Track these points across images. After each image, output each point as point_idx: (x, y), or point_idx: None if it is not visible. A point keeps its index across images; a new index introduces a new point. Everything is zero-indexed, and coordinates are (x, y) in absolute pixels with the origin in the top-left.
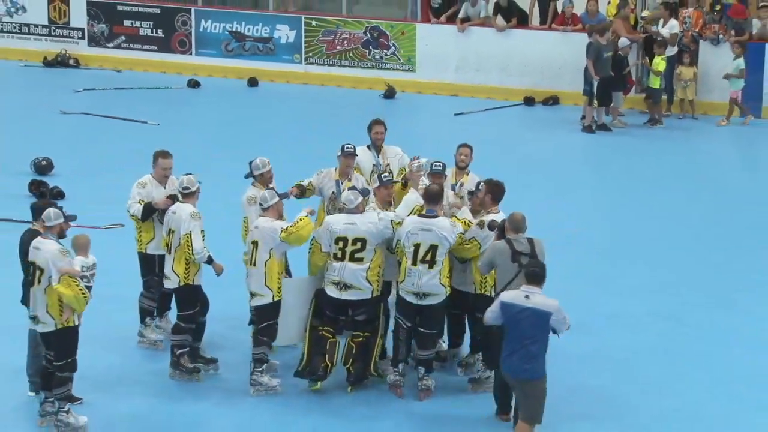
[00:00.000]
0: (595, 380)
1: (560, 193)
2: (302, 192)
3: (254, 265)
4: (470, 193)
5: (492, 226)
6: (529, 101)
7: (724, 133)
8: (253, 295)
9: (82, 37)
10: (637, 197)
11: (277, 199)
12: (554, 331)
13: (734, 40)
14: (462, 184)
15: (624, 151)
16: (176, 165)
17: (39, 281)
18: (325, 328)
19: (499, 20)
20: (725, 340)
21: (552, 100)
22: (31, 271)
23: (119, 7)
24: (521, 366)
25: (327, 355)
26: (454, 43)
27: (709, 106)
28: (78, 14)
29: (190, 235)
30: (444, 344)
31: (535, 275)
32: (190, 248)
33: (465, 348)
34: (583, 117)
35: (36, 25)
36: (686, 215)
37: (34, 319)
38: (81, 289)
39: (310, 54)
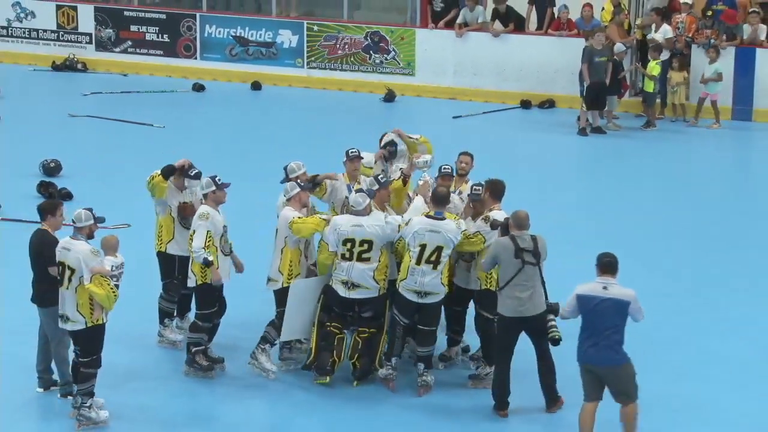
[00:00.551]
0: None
1: (553, 194)
2: (313, 184)
3: (274, 251)
4: (470, 196)
5: (494, 224)
6: (525, 105)
7: (716, 137)
8: (269, 279)
9: (90, 42)
10: (627, 199)
11: (297, 189)
12: (633, 319)
13: (710, 47)
14: (461, 192)
15: (617, 153)
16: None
17: (69, 281)
18: (333, 324)
19: (497, 25)
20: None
21: (548, 104)
22: (60, 271)
23: (126, 13)
24: (607, 355)
25: (335, 351)
26: (453, 48)
27: (708, 111)
28: (86, 20)
29: (192, 234)
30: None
31: (610, 265)
32: (190, 246)
33: (466, 344)
34: (579, 119)
35: (45, 30)
36: (674, 216)
37: (63, 317)
38: (112, 288)
39: (312, 58)
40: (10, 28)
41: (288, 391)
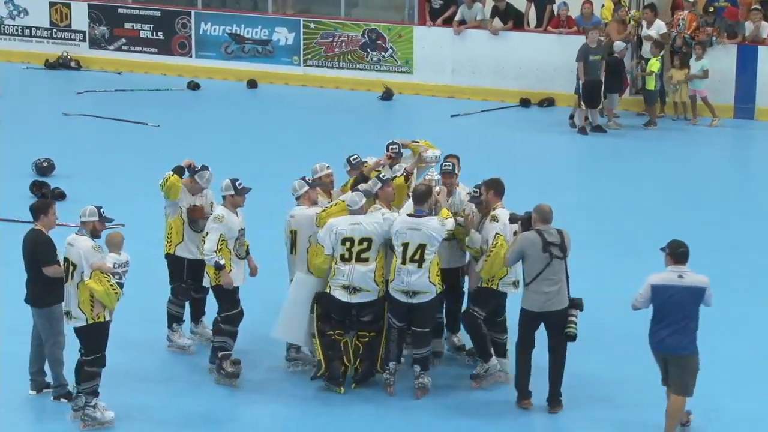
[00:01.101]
0: (586, 366)
1: (553, 193)
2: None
3: (296, 253)
4: (471, 200)
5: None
6: (524, 103)
7: (717, 135)
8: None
9: (84, 40)
10: (627, 198)
11: (306, 187)
12: (705, 305)
13: (696, 43)
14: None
15: (617, 152)
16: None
17: (72, 277)
18: (336, 331)
19: (496, 23)
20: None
21: (547, 102)
22: (65, 267)
23: (120, 10)
24: (682, 343)
25: (344, 357)
26: (451, 46)
27: (704, 108)
28: (79, 17)
29: (206, 236)
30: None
31: (684, 255)
32: (201, 248)
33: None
34: (571, 117)
35: (38, 28)
36: (674, 216)
37: (67, 314)
38: (112, 285)
39: (309, 56)
40: (2, 26)
41: (293, 392)
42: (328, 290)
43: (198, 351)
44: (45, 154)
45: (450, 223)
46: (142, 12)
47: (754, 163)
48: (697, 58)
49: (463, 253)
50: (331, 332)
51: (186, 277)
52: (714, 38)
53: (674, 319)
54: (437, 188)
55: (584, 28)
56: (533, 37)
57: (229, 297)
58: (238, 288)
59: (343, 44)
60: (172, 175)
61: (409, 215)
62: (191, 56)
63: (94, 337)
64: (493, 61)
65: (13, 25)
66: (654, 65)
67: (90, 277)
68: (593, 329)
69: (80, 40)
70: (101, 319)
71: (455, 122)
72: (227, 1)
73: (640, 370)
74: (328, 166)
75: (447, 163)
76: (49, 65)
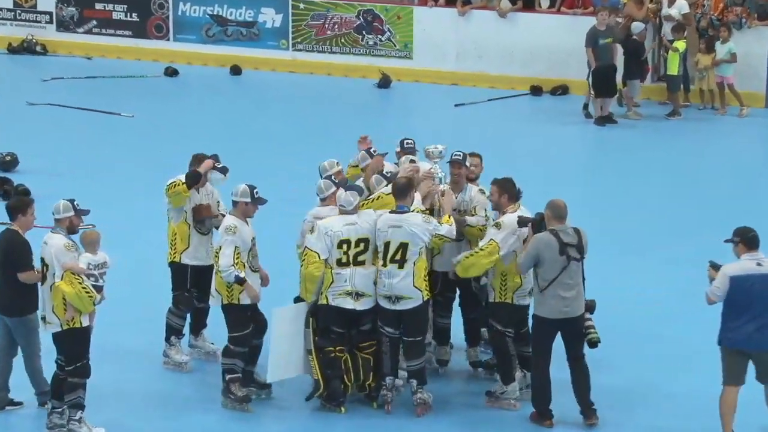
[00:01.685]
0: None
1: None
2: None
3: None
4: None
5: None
6: (535, 91)
7: (746, 127)
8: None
9: (50, 22)
10: (645, 196)
11: (334, 188)
12: None
13: (721, 24)
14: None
15: (636, 145)
16: (154, 160)
17: (46, 278)
18: (337, 348)
19: (504, 3)
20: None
21: (560, 90)
22: (42, 268)
23: None
24: None
25: (345, 376)
26: (455, 28)
27: (732, 97)
28: None
29: (219, 250)
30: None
31: (757, 239)
32: (216, 264)
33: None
34: (585, 107)
35: (0, 9)
36: (698, 214)
37: (43, 319)
38: (84, 288)
39: (298, 40)
40: None
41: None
42: (324, 302)
43: (196, 367)
44: (7, 147)
45: (444, 229)
46: None
47: None
48: (723, 41)
49: None
50: (331, 349)
51: (189, 286)
52: (743, 19)
53: (758, 312)
54: (441, 187)
55: (600, 8)
56: (545, 18)
57: (240, 317)
58: (249, 306)
59: (336, 26)
60: (181, 184)
61: (391, 212)
62: (168, 39)
63: (71, 344)
64: (501, 45)
65: None
66: (679, 44)
67: (62, 278)
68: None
69: (46, 22)
70: (77, 325)
71: (459, 112)
72: None
73: (647, 370)
74: (337, 163)
75: (458, 153)
76: (13, 50)
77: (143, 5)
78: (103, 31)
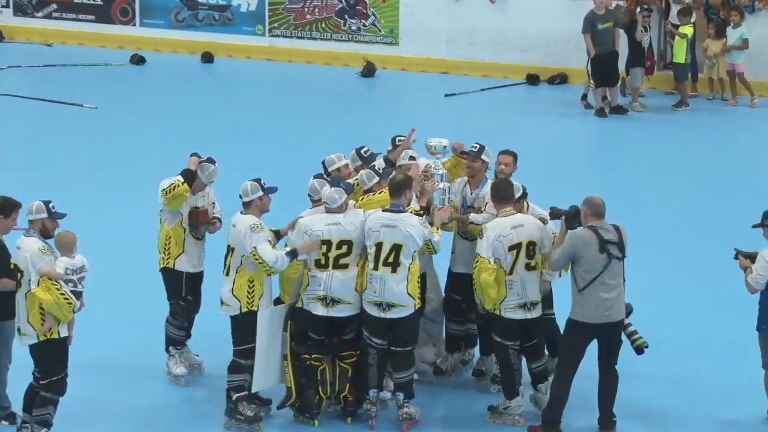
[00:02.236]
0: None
1: (564, 187)
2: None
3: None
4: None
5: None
6: (532, 80)
7: (759, 118)
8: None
9: (7, 6)
10: (652, 193)
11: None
12: None
13: (733, 7)
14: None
15: (641, 138)
16: (119, 156)
17: (20, 285)
18: (313, 355)
19: None
20: None
21: (559, 79)
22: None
23: None
24: None
25: (320, 387)
26: (445, 13)
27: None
28: None
29: (256, 251)
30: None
31: None
32: (264, 264)
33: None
34: (584, 97)
35: None
36: (708, 213)
37: (18, 330)
38: (63, 294)
39: (275, 25)
40: None
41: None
42: (300, 305)
43: (189, 381)
44: None
45: (435, 238)
46: None
47: None
48: (735, 25)
49: None
50: (307, 356)
51: (185, 294)
52: (756, 2)
53: None
54: (441, 185)
55: None
56: (542, 1)
57: (250, 327)
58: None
59: (316, 10)
60: (182, 184)
61: (385, 210)
62: (135, 25)
63: (48, 356)
64: (494, 31)
65: None
66: (686, 29)
67: (38, 285)
68: None
69: (2, 6)
70: (54, 335)
71: (450, 103)
72: None
73: (658, 370)
74: (344, 156)
75: (474, 145)
76: None
77: None
78: (64, 15)
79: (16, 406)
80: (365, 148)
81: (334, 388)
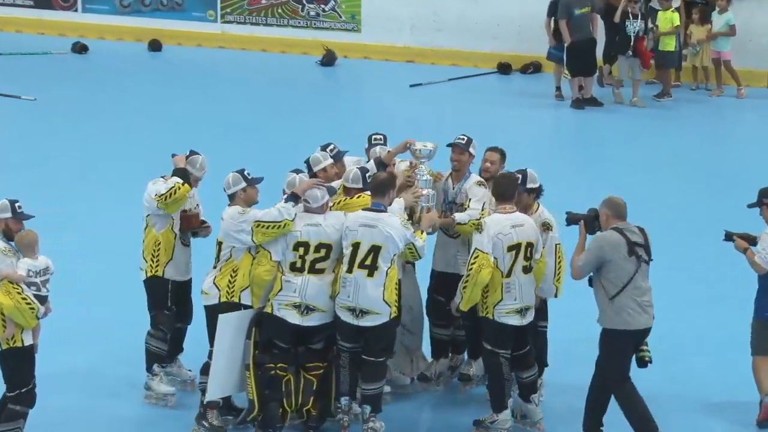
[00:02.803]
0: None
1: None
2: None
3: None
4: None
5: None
6: (503, 69)
7: (746, 110)
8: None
9: None
10: (632, 189)
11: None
12: None
13: None
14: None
15: (619, 130)
16: (56, 152)
17: None
18: (278, 365)
19: None
20: None
21: (532, 68)
22: None
23: None
24: None
25: (285, 400)
26: None
27: (728, 75)
28: None
29: (258, 220)
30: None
31: None
32: (272, 224)
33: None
34: (559, 88)
35: None
36: (693, 210)
37: None
38: (25, 298)
39: (228, 10)
40: None
41: None
42: (269, 310)
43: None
44: None
45: (419, 243)
46: None
47: None
48: (721, 10)
49: None
50: (272, 365)
51: (171, 303)
52: None
53: None
54: (426, 191)
55: None
56: None
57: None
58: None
59: None
60: (183, 185)
61: (365, 209)
62: (77, 10)
63: (12, 366)
64: (463, 16)
65: None
66: (674, 19)
67: None
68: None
69: None
70: (18, 344)
71: (415, 93)
72: None
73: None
74: (328, 155)
75: (461, 137)
76: None
77: None
78: (0, 0)
79: None
80: (331, 146)
81: (297, 400)
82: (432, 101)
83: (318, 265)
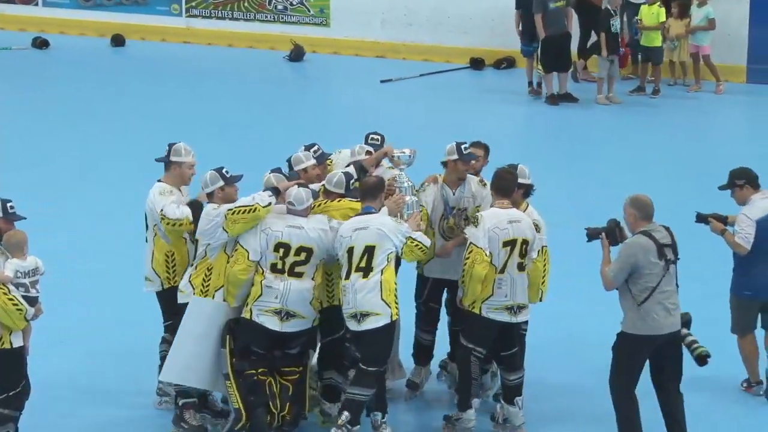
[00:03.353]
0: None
1: None
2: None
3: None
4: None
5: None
6: (476, 64)
7: (724, 106)
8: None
9: None
10: (618, 186)
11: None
12: None
13: None
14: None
15: (596, 127)
16: (17, 153)
17: None
18: (259, 370)
19: None
20: None
21: (506, 63)
22: None
23: None
24: None
25: (270, 402)
26: None
27: (707, 70)
28: None
29: (228, 214)
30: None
31: (758, 177)
32: (252, 207)
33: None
34: (531, 83)
35: None
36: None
37: None
38: (11, 299)
39: (193, 4)
40: None
41: None
42: (248, 316)
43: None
44: None
45: (417, 234)
46: None
47: (760, 141)
48: (700, 3)
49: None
50: (253, 372)
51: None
52: None
53: None
54: (408, 198)
55: None
56: None
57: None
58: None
59: None
60: (190, 223)
61: (357, 215)
62: (37, 5)
63: (1, 368)
64: (435, 10)
65: None
66: (660, 15)
67: None
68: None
69: None
70: (6, 345)
71: (386, 90)
72: None
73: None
74: (311, 155)
75: (466, 146)
76: None
77: None
78: None
79: None
80: (315, 147)
81: (282, 404)
82: (403, 97)
83: (297, 269)
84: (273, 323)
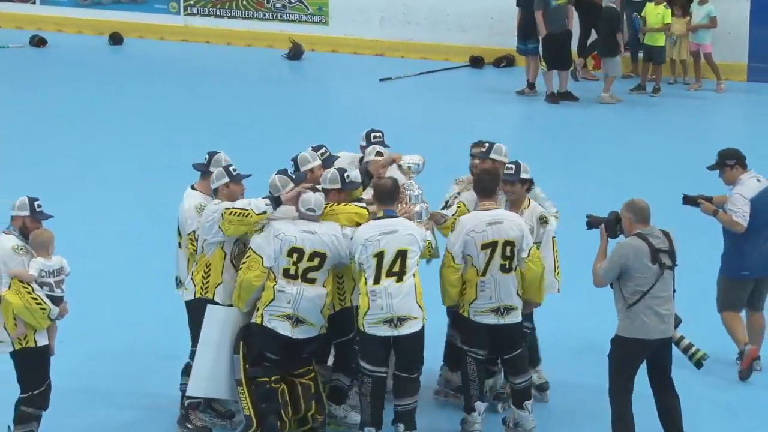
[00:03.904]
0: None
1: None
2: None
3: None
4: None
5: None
6: (475, 63)
7: (725, 104)
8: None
9: None
10: (619, 185)
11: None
12: None
13: None
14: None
15: (597, 126)
16: (14, 152)
17: None
18: (272, 378)
19: None
20: None
21: (505, 61)
22: None
23: None
24: None
25: (283, 410)
26: None
27: (707, 68)
28: None
29: (231, 207)
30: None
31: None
32: (244, 212)
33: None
34: (530, 84)
35: None
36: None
37: None
38: (35, 299)
39: (191, 2)
40: None
41: None
42: (259, 321)
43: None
44: None
45: (428, 234)
46: None
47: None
48: (701, 1)
49: None
50: (266, 379)
51: None
52: None
53: None
54: (418, 207)
55: None
56: None
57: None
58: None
59: None
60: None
61: (378, 218)
62: (35, 3)
63: (25, 366)
64: (433, 8)
65: None
66: (666, 15)
67: (8, 288)
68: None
69: None
70: (30, 344)
71: (385, 88)
72: None
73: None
74: (318, 155)
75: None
76: None
77: None
78: None
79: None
80: (323, 149)
81: (297, 408)
82: (402, 96)
83: (310, 275)
84: (284, 328)
